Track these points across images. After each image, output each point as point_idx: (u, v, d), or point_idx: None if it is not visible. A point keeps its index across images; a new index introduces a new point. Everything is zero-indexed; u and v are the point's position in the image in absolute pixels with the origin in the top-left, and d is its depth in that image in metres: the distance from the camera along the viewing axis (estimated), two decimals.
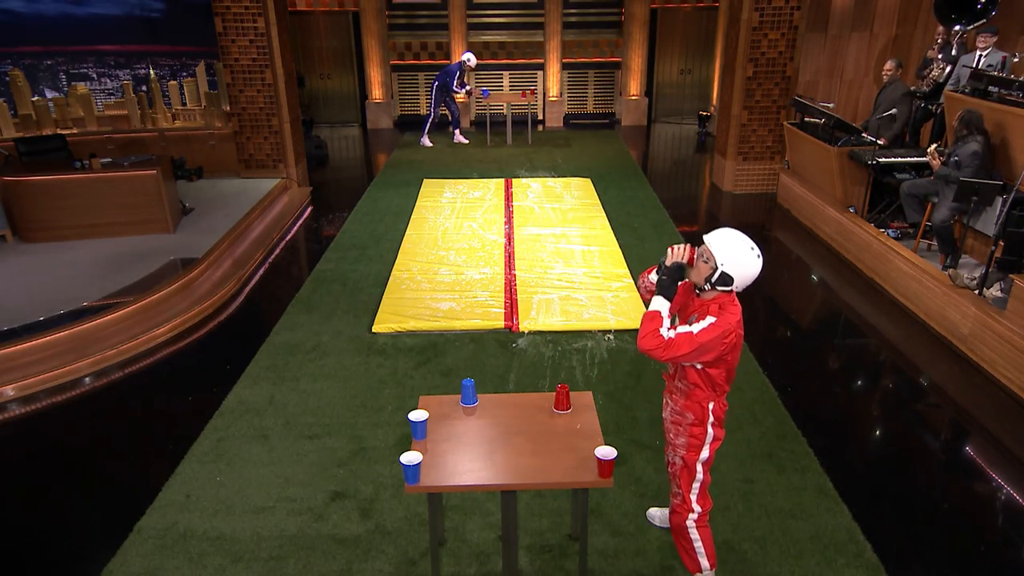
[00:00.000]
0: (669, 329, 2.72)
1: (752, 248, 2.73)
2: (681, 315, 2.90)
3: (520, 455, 2.95)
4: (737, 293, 2.80)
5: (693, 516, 3.04)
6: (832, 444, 4.34)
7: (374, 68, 13.74)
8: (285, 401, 4.81)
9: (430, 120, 12.17)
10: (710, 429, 2.91)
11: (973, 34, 7.36)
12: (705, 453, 2.94)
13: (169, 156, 8.66)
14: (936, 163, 6.25)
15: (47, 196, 7.14)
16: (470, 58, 11.74)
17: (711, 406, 2.89)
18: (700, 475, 2.98)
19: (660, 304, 2.74)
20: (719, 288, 2.75)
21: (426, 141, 12.02)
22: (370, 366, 5.23)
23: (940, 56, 7.81)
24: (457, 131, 12.34)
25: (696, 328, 2.69)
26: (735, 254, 2.69)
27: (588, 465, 2.87)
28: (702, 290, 2.82)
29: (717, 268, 2.71)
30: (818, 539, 3.56)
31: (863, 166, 7.21)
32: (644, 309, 6.06)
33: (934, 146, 6.41)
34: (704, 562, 3.09)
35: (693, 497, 3.02)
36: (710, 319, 2.70)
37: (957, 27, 7.56)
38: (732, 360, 2.82)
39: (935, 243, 6.37)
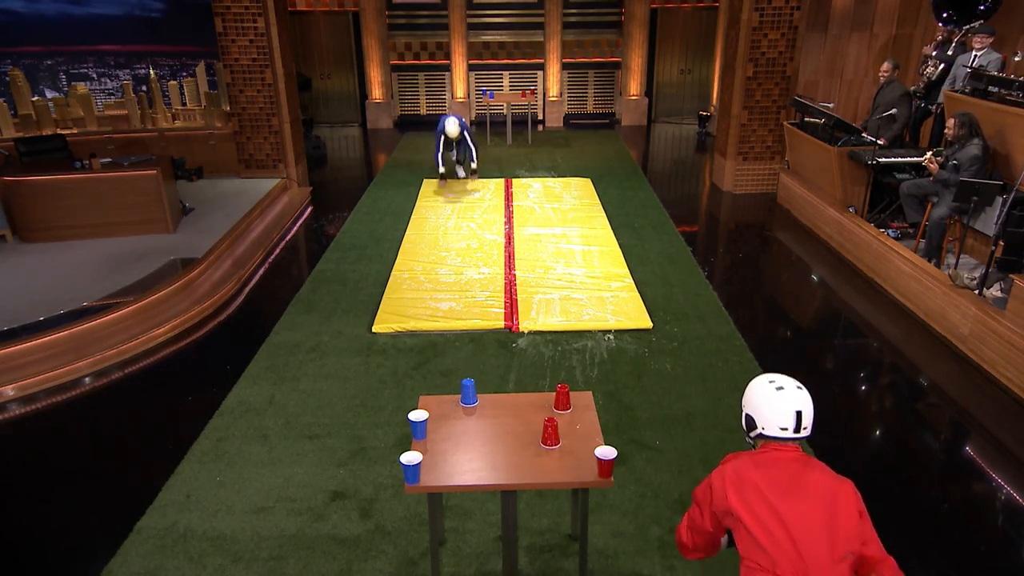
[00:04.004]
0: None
1: (771, 382, 2.35)
2: None
3: (520, 455, 2.95)
4: (776, 439, 2.30)
5: None
6: (832, 444, 4.34)
7: (374, 68, 13.74)
8: (285, 401, 4.81)
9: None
10: None
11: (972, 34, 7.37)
12: None
13: (169, 156, 8.67)
14: (934, 167, 6.25)
15: (47, 196, 7.14)
16: (451, 122, 9.08)
17: None
18: None
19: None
20: (751, 437, 2.41)
21: (441, 168, 9.49)
22: (370, 366, 5.24)
23: (935, 54, 7.81)
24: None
25: None
26: (751, 393, 2.40)
27: (588, 465, 2.87)
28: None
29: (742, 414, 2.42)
30: None
31: (863, 166, 7.21)
32: (643, 308, 6.07)
33: (930, 153, 6.41)
34: None
35: None
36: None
37: (950, 26, 7.58)
38: (742, 518, 2.17)
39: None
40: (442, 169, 8.76)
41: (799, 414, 2.25)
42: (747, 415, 2.38)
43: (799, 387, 2.32)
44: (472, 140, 9.03)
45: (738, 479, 2.22)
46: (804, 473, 2.21)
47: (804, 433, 2.27)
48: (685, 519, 2.38)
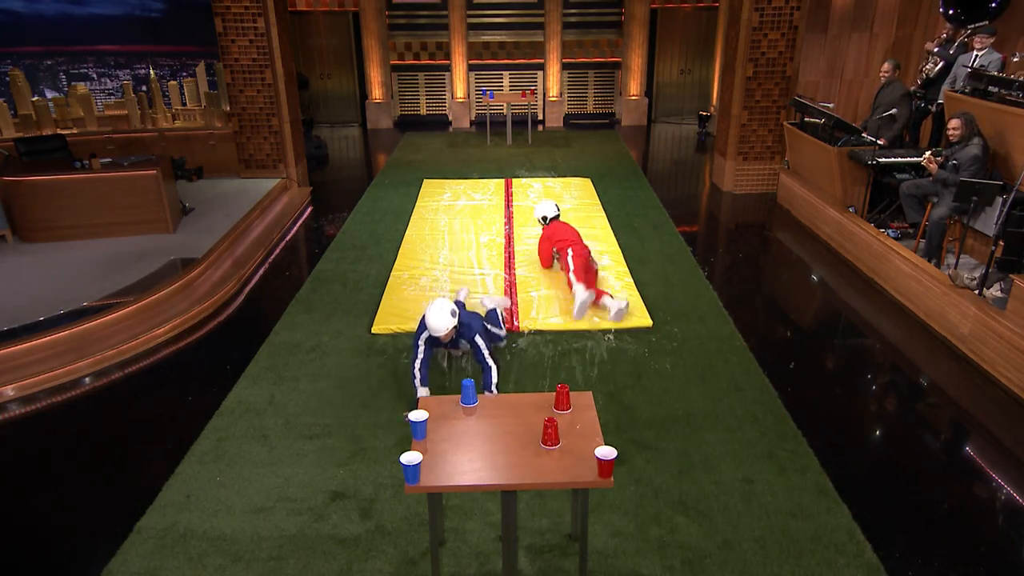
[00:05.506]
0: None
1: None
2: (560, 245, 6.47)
3: (520, 455, 2.95)
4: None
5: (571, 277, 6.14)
6: (832, 444, 4.34)
7: (374, 68, 13.74)
8: (285, 401, 4.81)
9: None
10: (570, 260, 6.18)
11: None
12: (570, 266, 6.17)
13: (169, 156, 8.66)
14: (933, 167, 6.25)
15: (47, 196, 7.14)
16: (436, 313, 4.54)
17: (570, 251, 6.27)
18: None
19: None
20: (541, 223, 6.86)
21: (423, 392, 4.67)
22: (370, 366, 5.24)
23: (936, 51, 7.81)
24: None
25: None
26: (536, 208, 6.99)
27: (588, 465, 2.87)
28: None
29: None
30: (818, 539, 3.57)
31: (863, 166, 7.21)
32: (644, 308, 6.05)
33: (929, 153, 6.41)
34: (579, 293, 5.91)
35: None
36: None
37: (956, 24, 7.58)
38: (560, 247, 6.37)
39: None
40: (422, 391, 4.57)
41: (556, 206, 6.87)
42: (537, 217, 6.91)
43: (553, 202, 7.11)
44: (485, 347, 4.60)
45: (550, 230, 6.59)
46: (565, 223, 6.64)
47: (556, 212, 6.84)
48: (539, 250, 6.74)
